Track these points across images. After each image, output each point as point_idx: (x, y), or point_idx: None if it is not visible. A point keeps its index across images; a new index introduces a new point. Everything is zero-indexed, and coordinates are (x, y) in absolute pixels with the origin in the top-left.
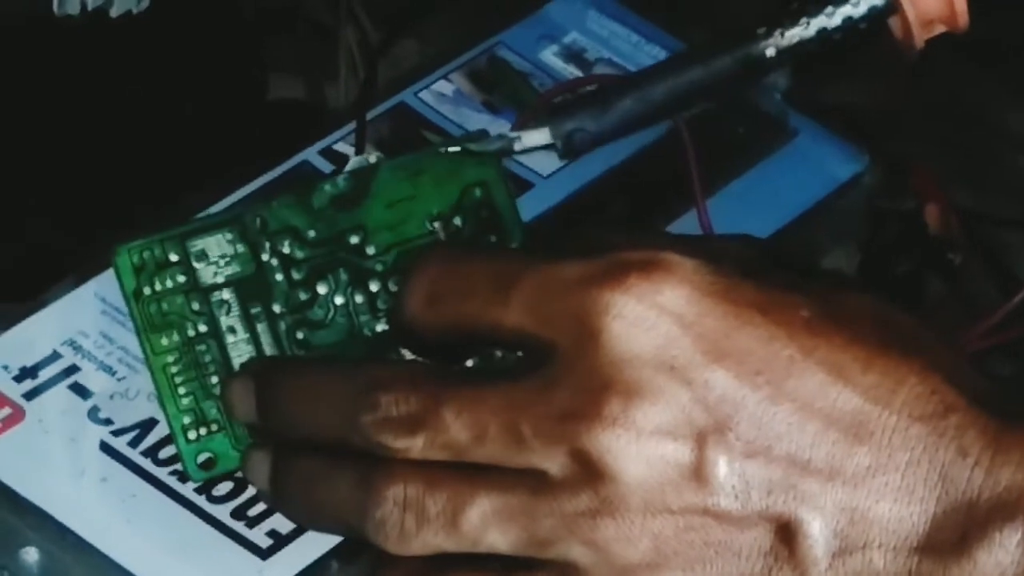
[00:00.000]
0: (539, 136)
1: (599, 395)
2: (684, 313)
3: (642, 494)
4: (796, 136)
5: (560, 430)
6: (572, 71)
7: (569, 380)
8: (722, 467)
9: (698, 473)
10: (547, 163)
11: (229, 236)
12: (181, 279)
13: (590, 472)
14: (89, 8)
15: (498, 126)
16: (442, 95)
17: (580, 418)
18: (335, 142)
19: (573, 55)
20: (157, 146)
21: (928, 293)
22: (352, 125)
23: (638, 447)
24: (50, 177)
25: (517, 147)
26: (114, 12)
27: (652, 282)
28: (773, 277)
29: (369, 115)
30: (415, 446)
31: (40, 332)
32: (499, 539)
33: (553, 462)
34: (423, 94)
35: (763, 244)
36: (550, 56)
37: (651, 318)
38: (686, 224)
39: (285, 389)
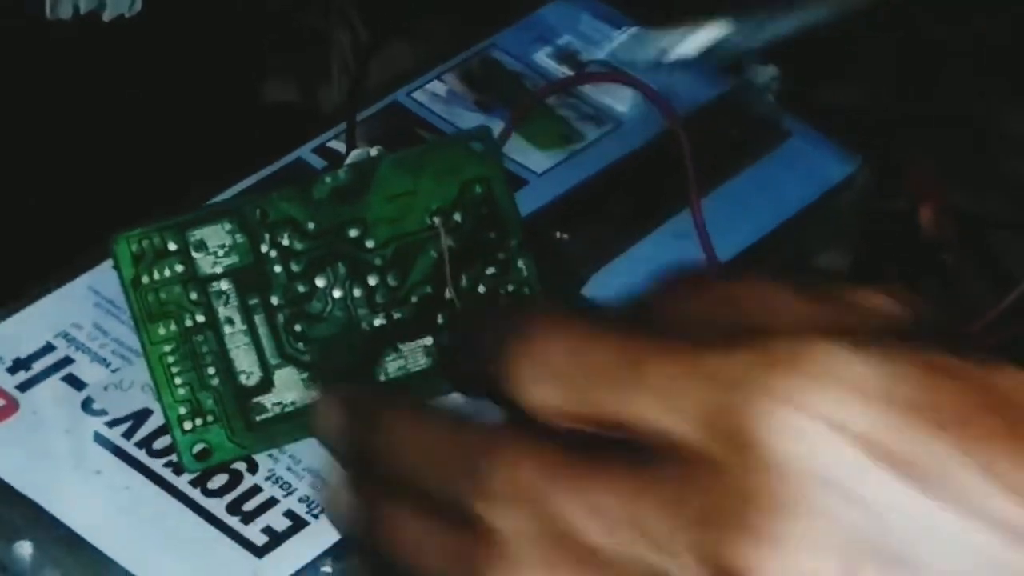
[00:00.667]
0: (697, 40)
1: (745, 505)
2: (841, 420)
3: None
4: (789, 137)
5: (697, 537)
6: (565, 72)
7: (709, 483)
8: None
9: None
10: (541, 161)
11: (228, 226)
12: (179, 268)
13: None
14: (82, 12)
15: (491, 125)
16: (435, 95)
17: (722, 528)
18: (329, 140)
19: (566, 57)
20: (150, 149)
21: (921, 294)
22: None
23: (784, 565)
24: (45, 178)
25: (669, 57)
26: (107, 16)
27: (805, 384)
28: (929, 353)
29: (363, 114)
30: (522, 524)
31: (33, 324)
32: None
33: (683, 569)
34: (416, 94)
35: (914, 300)
36: (543, 57)
37: (804, 426)
38: (680, 223)
39: (383, 429)
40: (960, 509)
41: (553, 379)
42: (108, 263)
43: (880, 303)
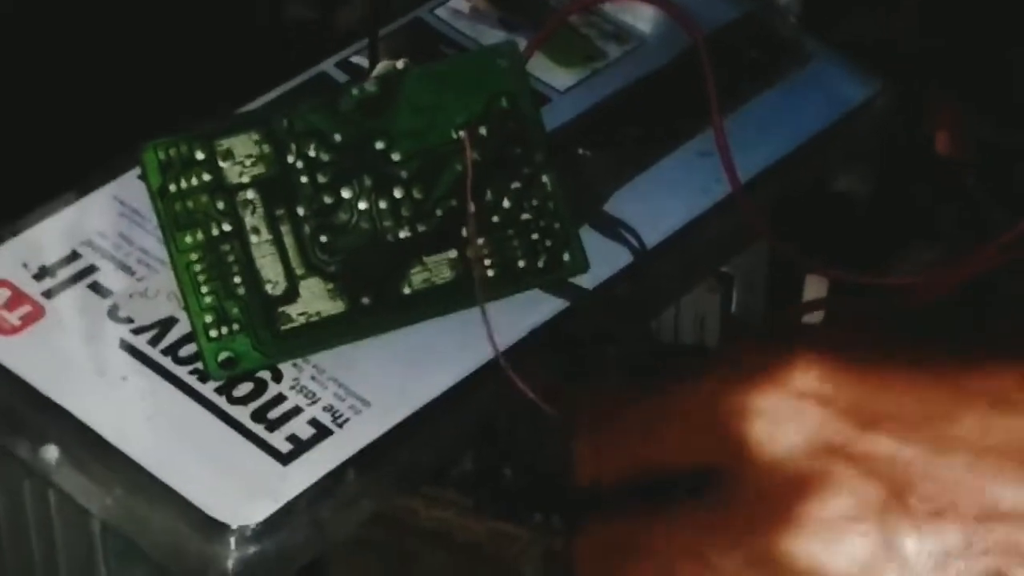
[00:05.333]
0: None
1: (770, 501)
2: (821, 392)
3: None
4: (811, 60)
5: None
6: None
7: (739, 494)
8: (910, 539)
9: (889, 552)
10: (564, 78)
11: (256, 137)
12: (207, 178)
13: None
14: None
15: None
16: (458, 12)
17: (756, 530)
18: (352, 55)
19: None
20: (174, 64)
21: (941, 218)
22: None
23: (823, 541)
24: (71, 90)
25: None
26: None
27: (780, 374)
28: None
29: (385, 30)
30: None
31: (58, 232)
32: None
33: None
34: (439, 10)
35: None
36: None
37: (791, 409)
38: (702, 142)
39: None
40: None
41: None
42: (133, 173)
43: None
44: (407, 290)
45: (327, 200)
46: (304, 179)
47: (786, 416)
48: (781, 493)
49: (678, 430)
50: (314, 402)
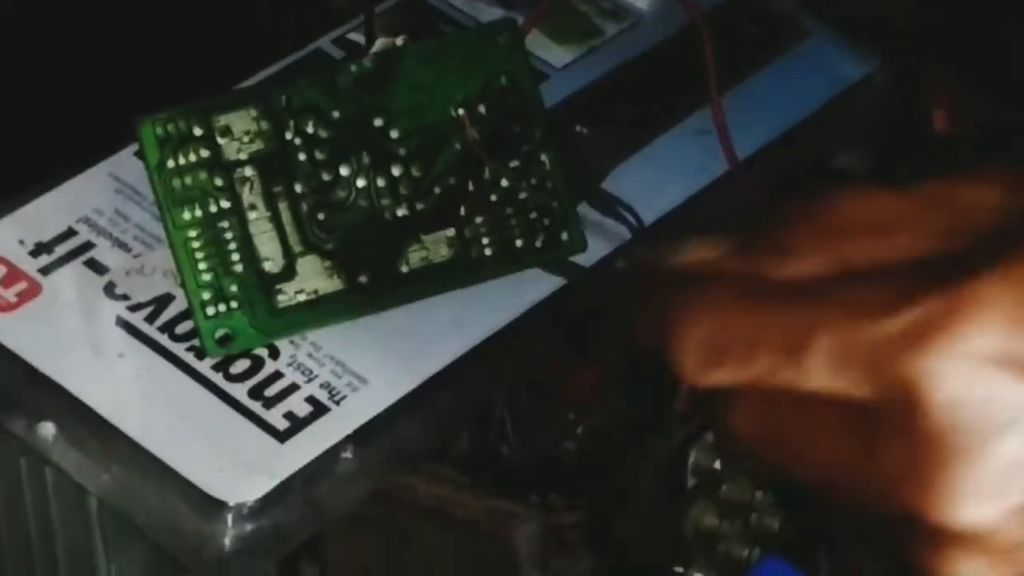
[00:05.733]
0: None
1: (941, 460)
2: (998, 353)
3: None
4: (808, 37)
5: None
6: None
7: (899, 445)
8: None
9: None
10: (561, 56)
11: (254, 113)
12: (205, 154)
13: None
14: None
15: None
16: None
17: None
18: (348, 31)
19: None
20: (170, 38)
21: None
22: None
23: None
24: (67, 65)
25: None
26: None
27: (958, 332)
28: None
29: (382, 7)
30: None
31: (55, 209)
32: None
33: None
34: None
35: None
36: None
37: (969, 370)
38: (699, 120)
39: None
40: None
41: (708, 352)
42: (130, 150)
43: (982, 198)
44: (405, 268)
45: (325, 177)
46: (302, 156)
47: (962, 377)
48: (952, 454)
49: (832, 360)
50: (311, 379)
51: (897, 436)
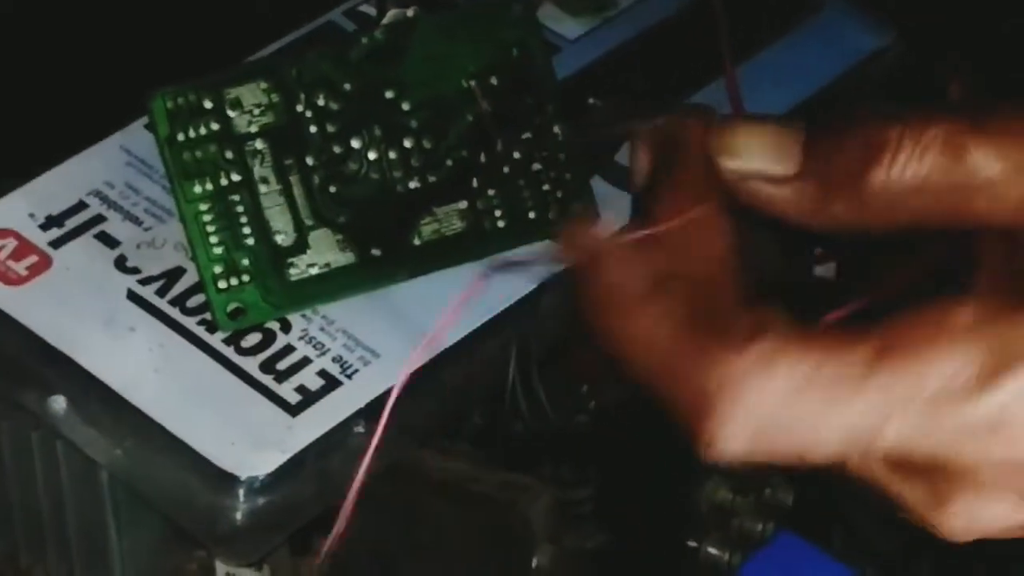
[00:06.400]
0: None
1: None
2: None
3: None
4: (823, 8)
5: None
6: None
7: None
8: None
9: None
10: (573, 27)
11: (264, 85)
12: (215, 127)
13: None
14: None
15: None
16: None
17: None
18: (360, 4)
19: None
20: (180, 11)
21: None
22: None
23: None
24: (77, 39)
25: None
26: None
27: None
28: None
29: None
30: None
31: (65, 182)
32: None
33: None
34: None
35: None
36: None
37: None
38: (714, 92)
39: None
40: None
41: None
42: (140, 123)
43: None
44: (417, 241)
45: (336, 150)
46: (313, 128)
47: None
48: None
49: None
50: (323, 353)
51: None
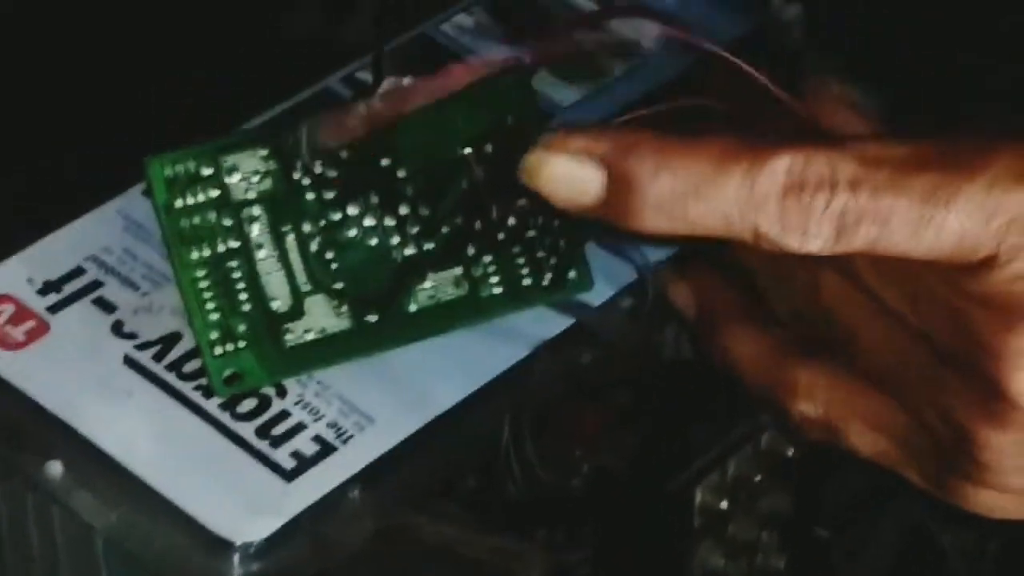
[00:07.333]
0: None
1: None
2: None
3: None
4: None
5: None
6: (591, 6)
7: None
8: None
9: None
10: (568, 94)
11: (262, 152)
12: (213, 194)
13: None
14: None
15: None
16: (463, 27)
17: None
18: (357, 71)
19: None
20: (180, 78)
21: None
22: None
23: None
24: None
25: None
26: None
27: None
28: None
29: (390, 46)
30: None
31: (64, 247)
32: None
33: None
34: (444, 26)
35: None
36: None
37: None
38: None
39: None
40: None
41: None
42: (138, 188)
43: None
44: (413, 307)
45: (333, 217)
46: (310, 195)
47: None
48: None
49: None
50: (318, 418)
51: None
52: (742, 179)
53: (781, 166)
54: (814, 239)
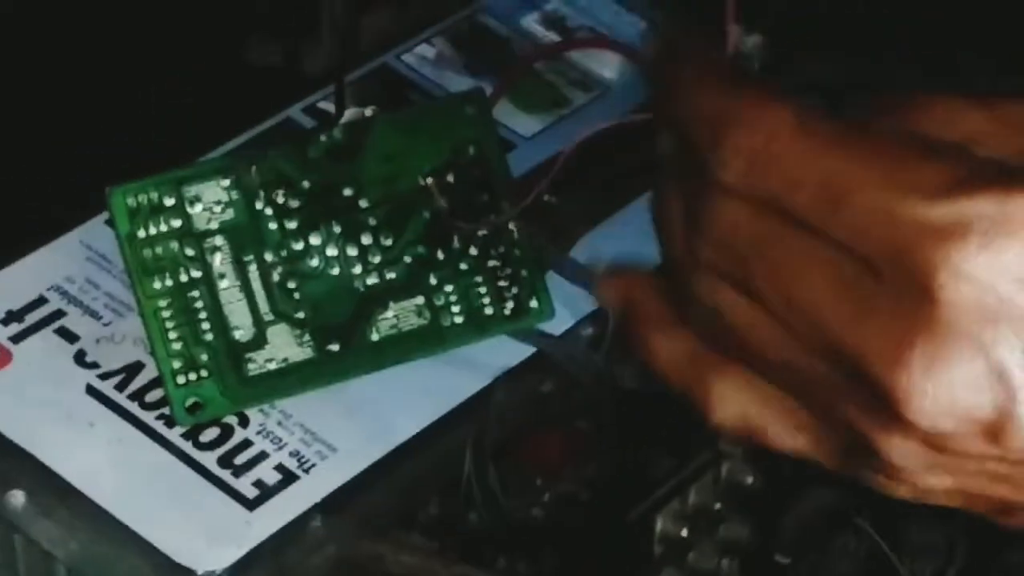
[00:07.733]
0: None
1: (929, 348)
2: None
3: None
4: None
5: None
6: (553, 37)
7: (891, 319)
8: None
9: None
10: (529, 124)
11: (225, 183)
12: (175, 223)
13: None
14: None
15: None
16: (424, 58)
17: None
18: (319, 100)
19: (554, 22)
20: (141, 108)
21: None
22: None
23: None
24: (36, 136)
25: None
26: None
27: (999, 244)
28: None
29: (352, 76)
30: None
31: (26, 277)
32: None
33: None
34: (405, 57)
35: None
36: (531, 23)
37: (992, 281)
38: None
39: None
40: None
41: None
42: (100, 218)
43: None
44: (375, 336)
45: (295, 246)
46: (273, 225)
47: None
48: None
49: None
50: (280, 447)
51: (893, 310)
52: None
53: None
54: None
